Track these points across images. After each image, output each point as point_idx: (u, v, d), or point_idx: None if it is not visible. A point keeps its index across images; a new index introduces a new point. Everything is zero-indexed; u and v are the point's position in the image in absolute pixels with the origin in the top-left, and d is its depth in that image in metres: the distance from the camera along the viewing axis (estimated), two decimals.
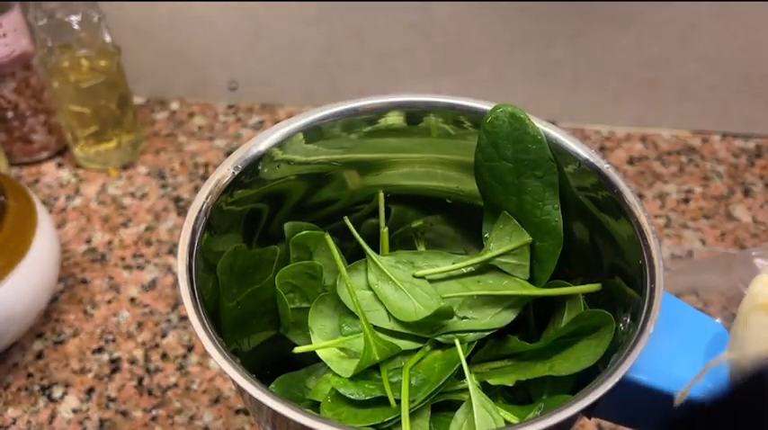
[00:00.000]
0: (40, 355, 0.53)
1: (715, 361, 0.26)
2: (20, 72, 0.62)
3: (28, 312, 0.50)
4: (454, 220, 0.42)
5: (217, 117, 0.73)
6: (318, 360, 0.37)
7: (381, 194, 0.41)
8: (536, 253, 0.36)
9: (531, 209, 0.35)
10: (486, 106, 0.36)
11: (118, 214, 0.63)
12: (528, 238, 0.36)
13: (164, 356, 0.52)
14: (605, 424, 0.48)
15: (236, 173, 0.35)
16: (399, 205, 0.42)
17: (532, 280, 0.37)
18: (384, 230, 0.40)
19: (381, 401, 0.34)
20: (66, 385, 0.51)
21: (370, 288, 0.38)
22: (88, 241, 0.61)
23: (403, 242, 0.43)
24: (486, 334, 0.36)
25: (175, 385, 0.51)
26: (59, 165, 0.67)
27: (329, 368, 0.36)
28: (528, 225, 0.36)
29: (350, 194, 0.41)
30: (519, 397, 0.36)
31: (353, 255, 0.40)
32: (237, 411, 0.49)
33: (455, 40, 0.66)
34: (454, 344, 0.36)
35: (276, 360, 0.38)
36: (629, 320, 0.32)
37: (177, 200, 0.64)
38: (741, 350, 0.30)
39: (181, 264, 0.31)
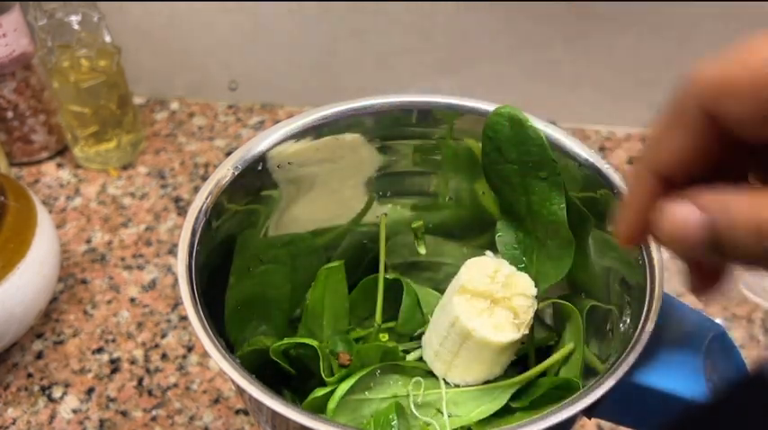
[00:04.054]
0: (40, 355, 0.53)
1: None
2: (20, 72, 0.62)
3: (28, 312, 0.50)
4: (455, 220, 0.42)
5: (217, 117, 0.73)
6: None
7: (384, 217, 0.41)
8: (548, 251, 0.36)
9: (538, 209, 0.36)
10: (486, 106, 0.36)
11: (118, 214, 0.63)
12: None
13: (164, 356, 0.52)
14: (605, 424, 0.48)
15: (236, 173, 0.35)
16: (399, 205, 0.42)
17: (539, 279, 0.37)
18: (383, 254, 0.40)
19: None
20: (67, 385, 0.51)
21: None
22: (88, 241, 0.61)
23: (399, 246, 0.43)
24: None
25: (175, 385, 0.51)
26: (59, 166, 0.67)
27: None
28: (538, 224, 0.36)
29: (349, 196, 0.41)
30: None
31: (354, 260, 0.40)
32: (237, 411, 0.49)
33: (455, 40, 0.66)
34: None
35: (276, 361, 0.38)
36: (628, 320, 0.32)
37: (177, 200, 0.64)
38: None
39: (181, 264, 0.31)
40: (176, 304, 0.56)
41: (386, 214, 0.41)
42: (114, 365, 0.52)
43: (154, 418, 0.49)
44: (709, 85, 0.21)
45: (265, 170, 0.37)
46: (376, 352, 0.36)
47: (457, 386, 0.36)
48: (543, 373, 0.36)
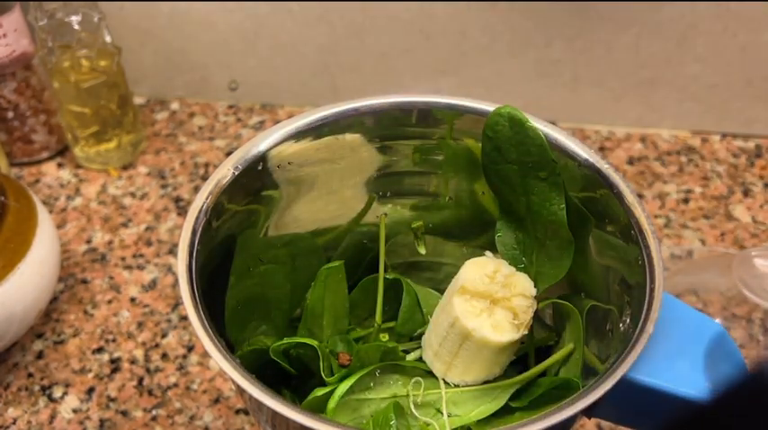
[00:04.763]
0: (40, 355, 0.53)
1: None
2: (20, 72, 0.62)
3: (28, 312, 0.50)
4: (455, 220, 0.42)
5: (217, 117, 0.73)
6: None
7: (384, 217, 0.41)
8: (548, 251, 0.36)
9: (538, 209, 0.36)
10: (486, 106, 0.36)
11: (118, 214, 0.63)
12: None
13: (164, 356, 0.52)
14: (605, 424, 0.48)
15: (236, 173, 0.35)
16: (399, 205, 0.42)
17: (539, 279, 0.37)
18: (383, 252, 0.40)
19: None
20: (67, 385, 0.51)
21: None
22: (88, 241, 0.61)
23: (399, 246, 0.43)
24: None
25: (175, 385, 0.51)
26: (60, 166, 0.67)
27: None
28: (538, 225, 0.36)
29: (349, 196, 0.41)
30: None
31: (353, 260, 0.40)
32: (237, 411, 0.49)
33: (455, 40, 0.66)
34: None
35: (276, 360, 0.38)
36: (628, 320, 0.32)
37: (177, 200, 0.64)
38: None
39: (181, 264, 0.31)
40: (176, 304, 0.56)
41: (386, 214, 0.41)
42: (114, 365, 0.52)
43: (154, 418, 0.49)
44: None
45: (265, 170, 0.37)
46: (376, 352, 0.36)
47: (456, 386, 0.36)
48: (543, 373, 0.36)
